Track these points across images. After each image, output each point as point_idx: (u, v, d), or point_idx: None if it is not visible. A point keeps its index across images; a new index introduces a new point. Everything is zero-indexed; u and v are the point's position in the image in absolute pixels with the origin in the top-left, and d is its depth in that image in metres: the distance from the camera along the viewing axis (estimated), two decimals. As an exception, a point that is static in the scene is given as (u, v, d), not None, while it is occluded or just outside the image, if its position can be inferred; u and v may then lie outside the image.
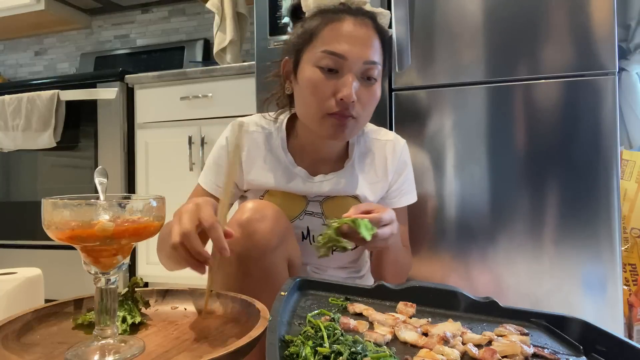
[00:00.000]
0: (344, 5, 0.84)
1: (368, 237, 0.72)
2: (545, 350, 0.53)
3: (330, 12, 0.83)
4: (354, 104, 0.80)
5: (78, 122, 2.01)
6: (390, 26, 0.88)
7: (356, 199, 0.93)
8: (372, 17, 0.84)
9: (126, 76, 1.94)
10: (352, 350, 0.46)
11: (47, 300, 0.69)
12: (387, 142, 0.98)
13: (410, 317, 0.61)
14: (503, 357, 0.50)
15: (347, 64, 0.79)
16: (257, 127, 0.94)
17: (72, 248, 0.49)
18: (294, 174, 0.92)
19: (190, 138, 1.84)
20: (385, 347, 0.51)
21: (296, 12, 0.91)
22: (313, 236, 0.91)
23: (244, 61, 1.96)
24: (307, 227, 0.91)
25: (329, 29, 0.81)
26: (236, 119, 0.87)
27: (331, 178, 0.92)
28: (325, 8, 0.84)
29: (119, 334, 0.53)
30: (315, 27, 0.83)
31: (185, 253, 0.60)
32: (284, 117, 0.95)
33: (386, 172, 0.96)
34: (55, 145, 1.98)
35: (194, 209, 0.62)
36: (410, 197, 1.00)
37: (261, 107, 0.98)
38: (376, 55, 0.82)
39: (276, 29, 1.47)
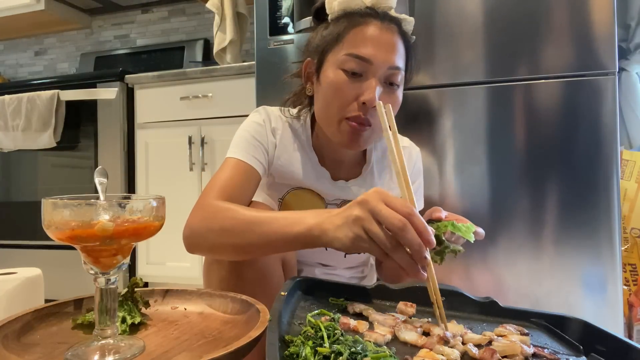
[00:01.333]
0: (370, 10, 0.82)
1: (472, 239, 0.70)
2: (545, 350, 0.53)
3: (357, 16, 0.81)
4: (375, 109, 0.79)
5: (78, 122, 2.01)
6: (413, 33, 0.87)
7: None
8: (397, 22, 0.83)
9: (126, 76, 1.95)
10: (352, 350, 0.46)
11: (47, 300, 0.69)
12: (404, 149, 0.97)
13: (410, 317, 0.61)
14: (503, 357, 0.50)
15: (372, 68, 0.79)
16: (286, 116, 0.92)
17: (72, 248, 0.49)
18: (321, 173, 0.91)
19: (190, 138, 1.84)
20: (385, 347, 0.51)
21: (319, 13, 0.89)
22: None
23: (244, 61, 1.97)
24: None
25: (354, 32, 0.80)
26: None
27: (352, 185, 0.92)
28: (351, 11, 0.83)
29: (119, 334, 0.53)
30: (341, 29, 0.81)
31: (401, 252, 0.54)
32: (306, 115, 0.93)
33: None
34: (55, 145, 1.98)
35: (375, 195, 0.56)
36: (419, 205, 1.00)
37: (283, 104, 0.96)
38: (400, 60, 0.81)
39: (276, 29, 1.47)
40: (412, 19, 0.86)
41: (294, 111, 0.93)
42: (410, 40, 0.86)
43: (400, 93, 0.84)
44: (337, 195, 0.91)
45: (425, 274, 0.56)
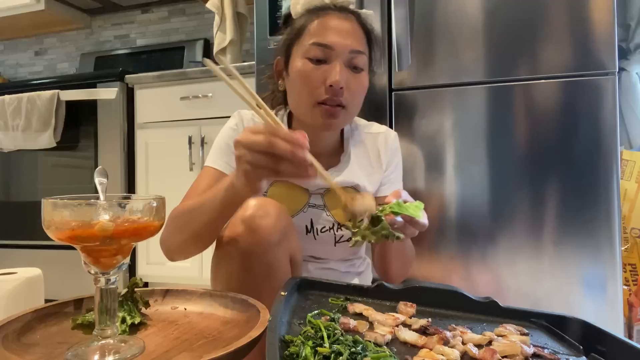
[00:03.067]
0: (328, 5, 0.90)
1: (421, 216, 0.71)
2: (545, 350, 0.53)
3: (316, 10, 0.89)
4: (342, 90, 0.84)
5: (78, 122, 2.01)
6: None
7: (356, 189, 0.94)
8: (355, 14, 0.90)
9: (126, 76, 1.94)
10: (352, 350, 0.46)
11: (47, 300, 0.69)
12: (379, 135, 1.02)
13: (410, 317, 0.61)
14: (503, 357, 0.50)
15: (334, 53, 0.84)
16: (258, 119, 0.96)
17: (72, 248, 0.49)
18: None
19: (190, 138, 1.84)
20: (385, 347, 0.51)
21: (287, 21, 0.96)
22: (317, 229, 0.93)
23: (244, 61, 1.96)
24: (311, 220, 0.93)
25: (315, 23, 0.87)
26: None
27: (331, 171, 0.94)
28: (312, 7, 0.90)
29: (119, 334, 0.53)
30: (302, 23, 0.89)
31: (284, 164, 0.58)
32: (283, 114, 0.99)
33: (380, 164, 0.99)
34: (55, 145, 1.98)
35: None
36: (398, 186, 1.01)
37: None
38: (361, 45, 0.87)
39: (276, 29, 1.47)
40: (371, 12, 0.93)
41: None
42: (370, 29, 0.92)
43: (365, 76, 0.89)
44: (319, 184, 0.94)
45: (313, 173, 0.60)
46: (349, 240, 0.94)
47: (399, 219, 0.68)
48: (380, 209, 0.69)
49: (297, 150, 0.58)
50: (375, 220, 0.68)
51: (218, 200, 0.71)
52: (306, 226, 0.92)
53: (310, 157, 0.59)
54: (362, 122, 1.04)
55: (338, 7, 0.89)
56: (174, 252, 0.83)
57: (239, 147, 0.61)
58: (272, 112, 0.64)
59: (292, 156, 0.58)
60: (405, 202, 0.71)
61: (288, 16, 0.96)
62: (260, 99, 0.64)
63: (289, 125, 0.98)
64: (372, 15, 0.93)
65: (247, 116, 0.97)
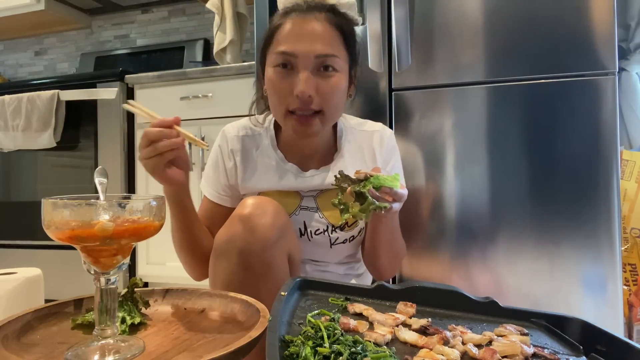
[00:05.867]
0: (296, 5, 0.87)
1: (398, 186, 0.73)
2: (545, 350, 0.53)
3: (287, 12, 0.87)
4: (311, 98, 0.82)
5: (78, 122, 2.01)
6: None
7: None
8: (331, 10, 0.87)
9: (126, 76, 1.94)
10: (352, 350, 0.46)
11: (47, 300, 0.69)
12: (374, 133, 1.00)
13: (410, 317, 0.61)
14: (503, 357, 0.50)
15: (299, 60, 0.82)
16: (245, 130, 0.97)
17: (72, 248, 0.49)
18: (286, 171, 0.93)
19: (190, 138, 1.84)
20: (385, 347, 0.51)
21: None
22: (310, 232, 0.92)
23: (244, 61, 1.96)
24: (304, 222, 0.92)
25: (280, 30, 0.85)
26: (236, 118, 0.89)
27: (322, 172, 0.94)
28: (285, 9, 0.89)
29: (119, 334, 0.53)
30: (272, 29, 0.88)
31: (155, 147, 0.69)
32: (271, 118, 0.98)
33: (375, 162, 0.97)
34: (55, 145, 1.98)
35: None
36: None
37: (249, 109, 1.01)
38: (331, 47, 0.83)
39: (276, 29, 1.47)
40: (352, 1, 0.89)
41: (260, 117, 0.99)
42: (349, 25, 0.88)
43: (339, 77, 0.85)
44: (308, 185, 0.93)
45: (180, 137, 0.71)
46: (344, 241, 0.94)
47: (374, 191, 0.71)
48: (362, 184, 0.72)
49: (162, 129, 0.70)
50: (359, 196, 0.71)
51: (170, 209, 0.82)
52: (300, 229, 0.92)
53: (176, 128, 0.71)
54: (356, 120, 1.03)
55: (305, 7, 0.86)
56: (187, 272, 0.94)
57: (138, 151, 0.72)
58: (142, 107, 0.75)
59: (160, 134, 0.69)
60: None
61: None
62: (132, 101, 0.76)
63: (276, 129, 0.97)
64: (351, 5, 0.89)
65: (230, 134, 0.97)
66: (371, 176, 0.72)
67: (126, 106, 0.75)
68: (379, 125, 1.02)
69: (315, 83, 0.82)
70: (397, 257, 0.98)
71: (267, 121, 0.98)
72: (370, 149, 0.98)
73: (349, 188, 0.73)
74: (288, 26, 0.84)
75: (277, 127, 0.97)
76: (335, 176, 0.76)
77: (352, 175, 0.74)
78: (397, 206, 0.76)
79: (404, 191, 0.75)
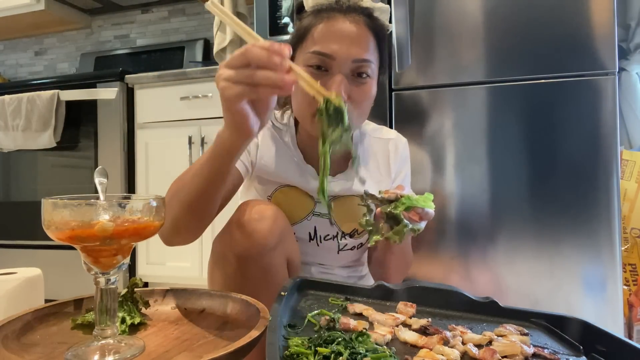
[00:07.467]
0: (337, 4, 0.83)
1: (431, 206, 0.71)
2: (545, 350, 0.53)
3: (323, 11, 0.83)
4: (345, 103, 0.80)
5: (78, 122, 2.01)
6: (390, 21, 0.86)
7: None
8: (367, 14, 0.84)
9: (126, 76, 1.94)
10: (352, 350, 0.46)
11: (47, 300, 0.69)
12: (390, 141, 0.98)
13: (410, 317, 0.61)
14: (503, 357, 0.50)
15: (336, 63, 0.79)
16: (270, 121, 0.93)
17: (72, 248, 0.49)
18: (305, 171, 0.92)
19: (190, 138, 1.84)
20: (385, 347, 0.51)
21: (300, 11, 0.91)
22: (320, 236, 0.91)
23: (244, 61, 1.96)
24: (315, 228, 0.91)
25: (318, 28, 0.81)
26: None
27: (339, 179, 0.92)
28: (319, 7, 0.84)
29: (119, 334, 0.53)
30: (306, 26, 0.83)
31: (252, 73, 0.53)
32: (289, 114, 0.95)
33: (389, 170, 0.96)
34: (55, 145, 1.98)
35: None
36: (407, 191, 1.00)
37: None
38: (367, 52, 0.81)
39: (276, 29, 1.47)
40: (387, 7, 0.86)
41: (278, 114, 0.95)
42: (382, 30, 0.85)
43: (371, 84, 0.83)
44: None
45: (292, 78, 0.54)
46: (352, 248, 0.93)
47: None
48: (393, 206, 0.70)
49: (273, 55, 0.53)
50: (391, 218, 0.68)
51: (207, 155, 0.66)
52: (309, 233, 0.91)
53: (289, 63, 0.54)
54: (371, 125, 1.01)
55: (345, 8, 0.82)
56: (168, 232, 0.74)
57: (220, 69, 0.56)
58: (250, 29, 0.60)
59: (267, 60, 0.52)
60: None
61: (300, 8, 0.90)
62: (239, 21, 0.61)
63: (295, 128, 0.94)
64: (388, 11, 0.86)
65: None
66: (401, 196, 0.70)
67: (209, 6, 0.60)
68: (393, 133, 1.00)
69: (349, 88, 0.79)
70: (406, 268, 0.97)
71: (286, 118, 0.95)
72: (385, 157, 0.96)
73: (379, 209, 0.70)
74: (326, 25, 0.80)
75: (295, 125, 0.94)
76: (361, 196, 0.75)
77: (376, 194, 0.72)
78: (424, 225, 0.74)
79: (433, 211, 0.73)
